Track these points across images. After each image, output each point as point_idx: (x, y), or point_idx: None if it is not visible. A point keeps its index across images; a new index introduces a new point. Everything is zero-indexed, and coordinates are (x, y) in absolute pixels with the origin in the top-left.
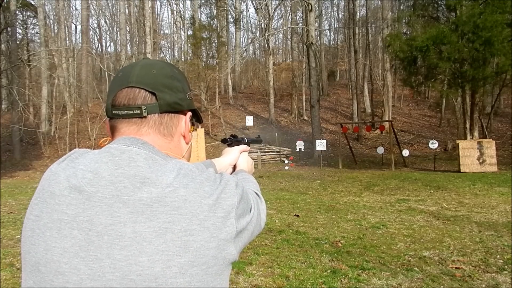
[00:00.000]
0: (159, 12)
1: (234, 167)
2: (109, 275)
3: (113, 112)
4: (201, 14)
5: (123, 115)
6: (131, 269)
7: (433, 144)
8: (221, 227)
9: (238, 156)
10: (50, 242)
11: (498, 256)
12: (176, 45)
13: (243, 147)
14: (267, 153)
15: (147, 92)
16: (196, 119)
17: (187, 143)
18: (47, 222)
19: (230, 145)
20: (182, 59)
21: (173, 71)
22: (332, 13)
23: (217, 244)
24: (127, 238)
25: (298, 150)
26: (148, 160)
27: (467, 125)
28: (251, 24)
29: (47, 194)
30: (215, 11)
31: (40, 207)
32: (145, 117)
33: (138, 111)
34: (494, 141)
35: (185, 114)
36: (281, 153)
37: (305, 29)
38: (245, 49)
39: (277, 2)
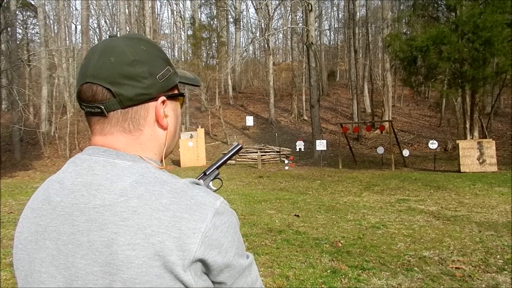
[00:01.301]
0: (159, 12)
1: None
2: (75, 283)
3: (81, 106)
4: (201, 14)
5: (87, 112)
6: (88, 278)
7: (433, 144)
8: (172, 248)
9: None
10: (32, 254)
11: (498, 256)
12: (176, 45)
13: None
14: (267, 153)
15: (104, 88)
16: (183, 86)
17: (164, 130)
18: (28, 236)
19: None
20: (182, 59)
21: (136, 53)
22: (332, 13)
23: (162, 263)
24: (84, 247)
25: (298, 150)
26: (106, 166)
27: (467, 125)
28: (251, 24)
29: (29, 210)
30: (215, 11)
31: (23, 223)
32: (106, 115)
33: (99, 110)
34: (494, 141)
35: (156, 100)
36: (281, 153)
37: (305, 29)
38: (245, 49)
39: (277, 2)
